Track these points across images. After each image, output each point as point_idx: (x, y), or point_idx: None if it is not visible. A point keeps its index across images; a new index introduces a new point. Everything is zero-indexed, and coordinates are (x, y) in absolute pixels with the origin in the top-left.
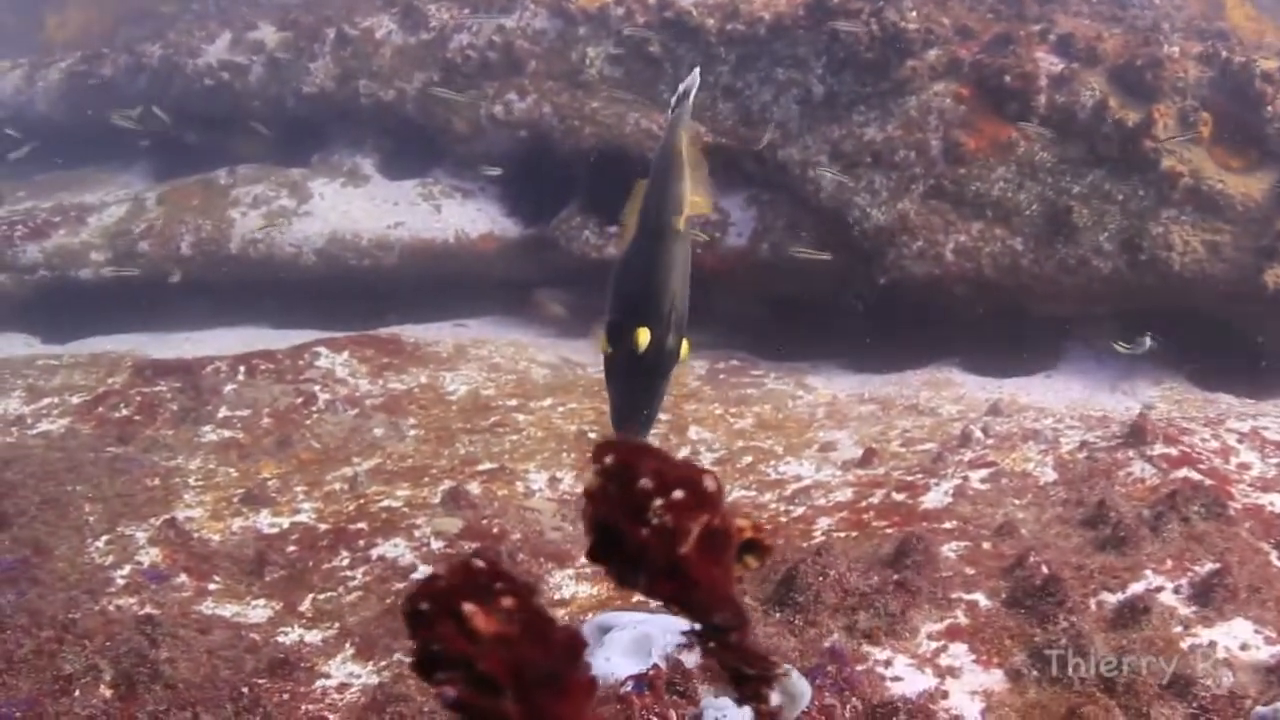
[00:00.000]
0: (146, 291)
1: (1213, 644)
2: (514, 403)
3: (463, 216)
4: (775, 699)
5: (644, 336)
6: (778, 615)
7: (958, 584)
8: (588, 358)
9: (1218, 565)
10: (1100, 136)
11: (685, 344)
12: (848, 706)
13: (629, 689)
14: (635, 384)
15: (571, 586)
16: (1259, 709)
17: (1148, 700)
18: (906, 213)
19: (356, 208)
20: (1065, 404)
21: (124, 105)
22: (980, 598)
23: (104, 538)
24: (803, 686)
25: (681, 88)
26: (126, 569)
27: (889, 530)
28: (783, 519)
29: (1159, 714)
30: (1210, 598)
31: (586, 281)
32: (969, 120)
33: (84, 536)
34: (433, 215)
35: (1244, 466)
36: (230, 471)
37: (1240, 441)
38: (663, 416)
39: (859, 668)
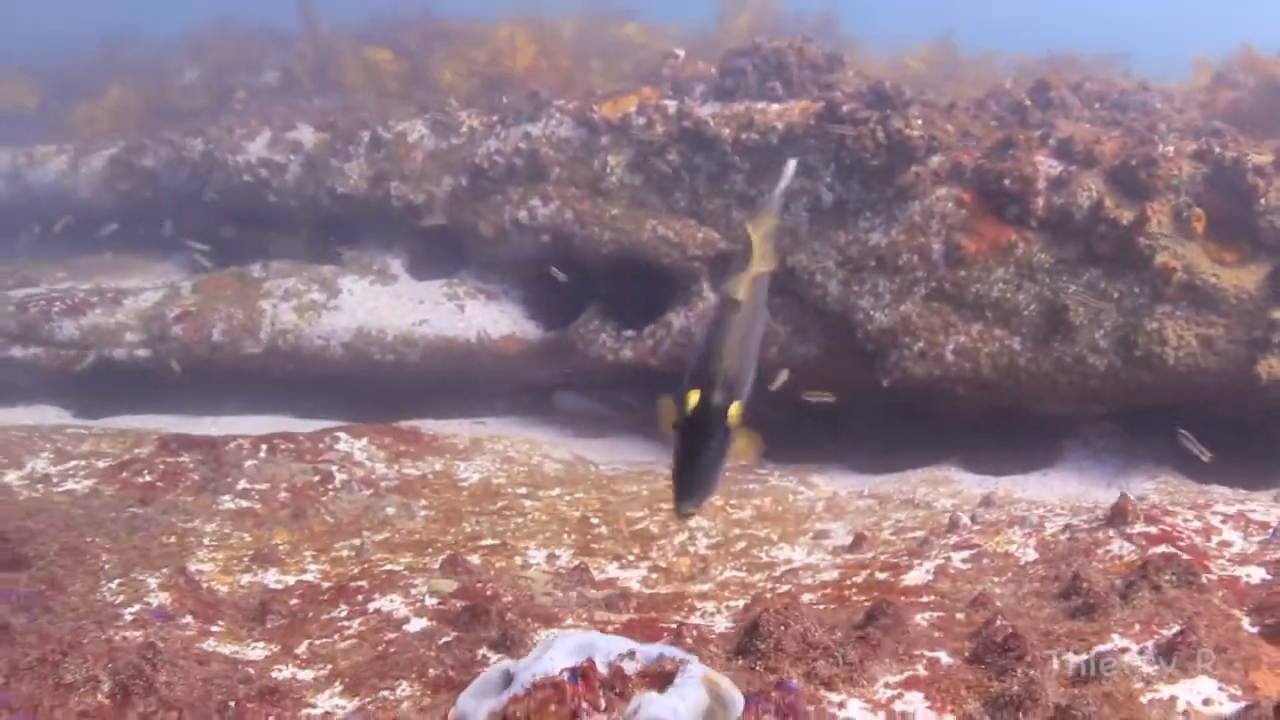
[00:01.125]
0: (177, 376)
1: (1173, 698)
2: (523, 490)
3: (486, 317)
4: (696, 700)
5: (693, 398)
6: (739, 661)
7: (923, 644)
8: (601, 456)
9: (1183, 626)
10: (1096, 236)
11: (736, 406)
12: None
13: (565, 679)
14: (687, 450)
15: None
16: None
17: None
18: (909, 315)
19: (384, 305)
20: (1059, 498)
21: (164, 195)
22: (943, 655)
23: (117, 580)
24: (735, 695)
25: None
26: (135, 607)
27: (867, 603)
28: (767, 594)
29: None
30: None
31: (604, 384)
32: (970, 224)
33: (98, 579)
34: (457, 315)
35: (1225, 544)
36: (244, 536)
37: (1224, 522)
38: (660, 505)
39: (811, 707)
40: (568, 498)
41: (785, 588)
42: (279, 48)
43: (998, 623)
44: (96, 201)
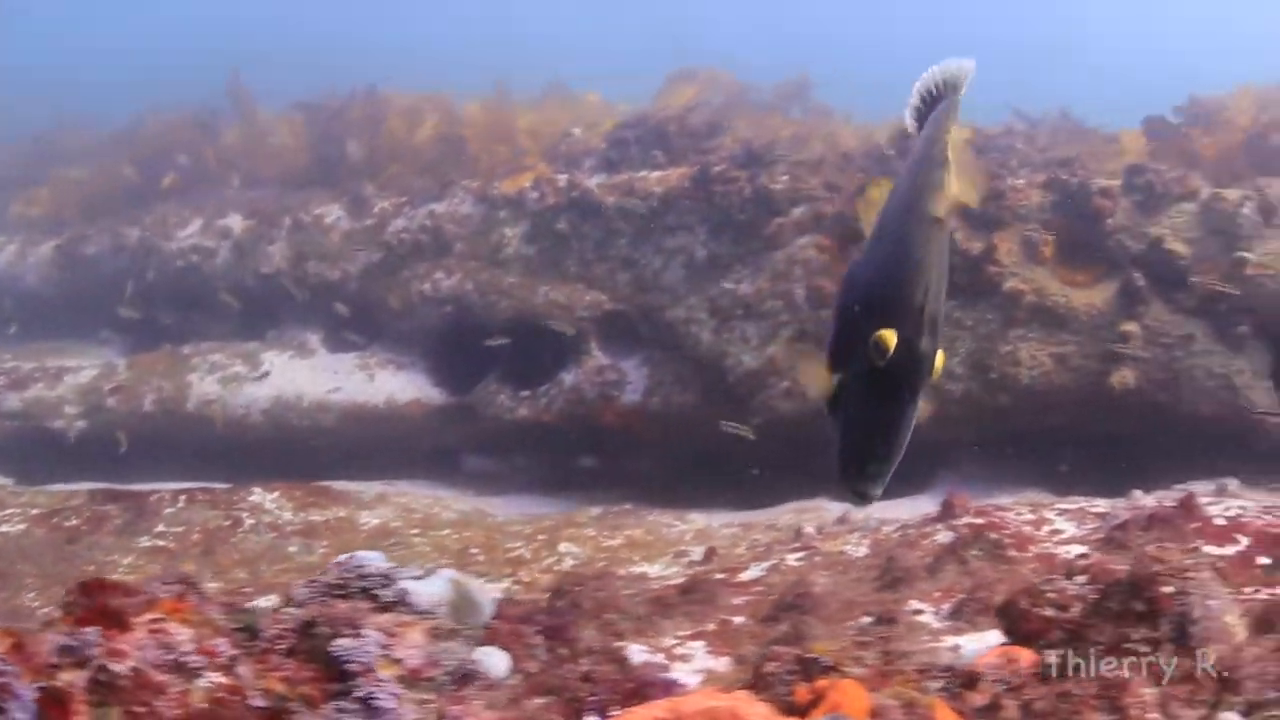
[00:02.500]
0: (110, 447)
1: (957, 645)
2: (416, 531)
3: (394, 384)
4: (440, 590)
5: (890, 338)
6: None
7: (726, 612)
8: (501, 511)
9: (974, 584)
10: (950, 269)
11: (940, 355)
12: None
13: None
14: (875, 410)
15: None
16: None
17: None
18: (774, 356)
19: (301, 376)
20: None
21: (105, 281)
22: (739, 619)
23: (36, 592)
24: (484, 598)
25: (949, 76)
26: (48, 608)
27: (700, 576)
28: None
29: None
30: (963, 613)
31: (504, 445)
32: (832, 268)
33: (23, 591)
34: (368, 383)
35: (1055, 532)
36: (155, 568)
37: (1061, 515)
38: (539, 536)
39: (603, 643)
40: (455, 535)
41: (633, 590)
42: (208, 136)
43: (799, 591)
44: (44, 289)
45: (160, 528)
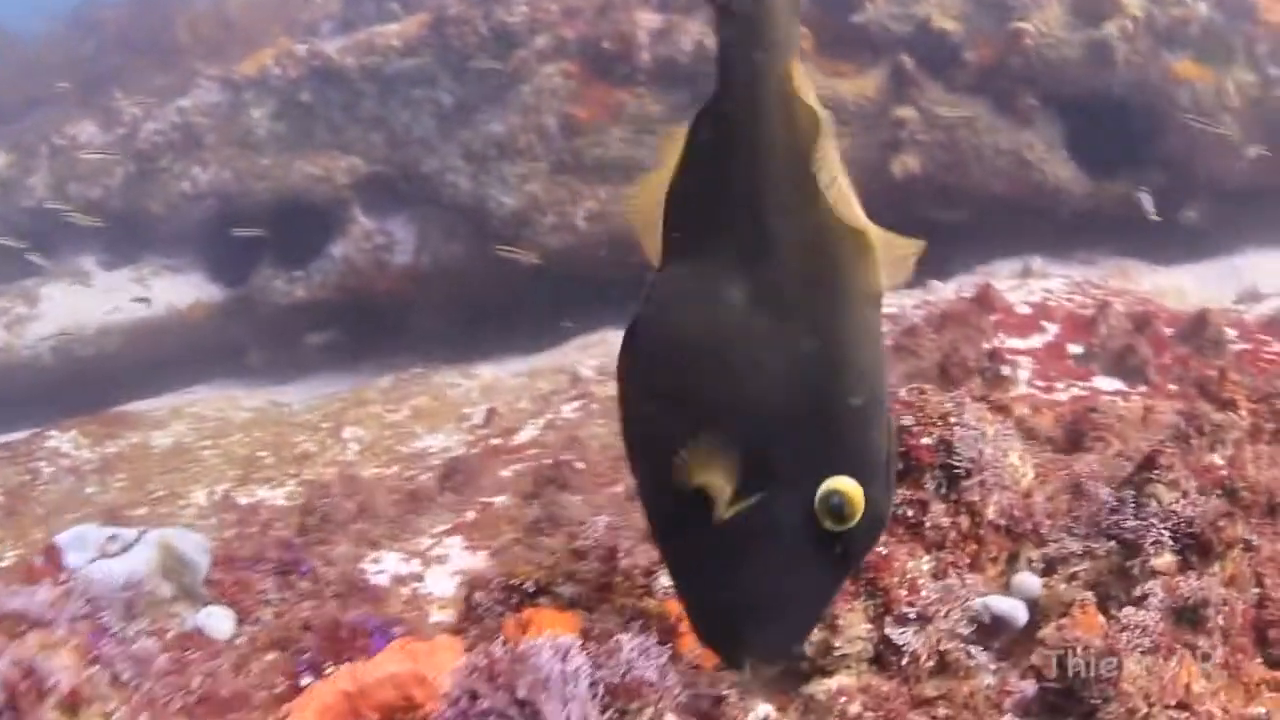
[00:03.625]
0: None
1: None
2: (207, 444)
3: (172, 291)
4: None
5: (856, 498)
6: (299, 540)
7: (489, 490)
8: (298, 397)
9: None
10: (702, 77)
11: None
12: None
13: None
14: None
15: None
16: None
17: None
18: (535, 193)
19: (84, 303)
20: None
21: None
22: (501, 499)
23: None
24: (196, 557)
25: None
26: None
27: (461, 456)
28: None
29: None
30: None
31: (288, 330)
32: (580, 93)
33: None
34: (145, 294)
35: None
36: None
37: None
38: (324, 425)
39: (344, 568)
40: (245, 439)
41: (412, 473)
42: None
43: (563, 457)
44: None
45: None
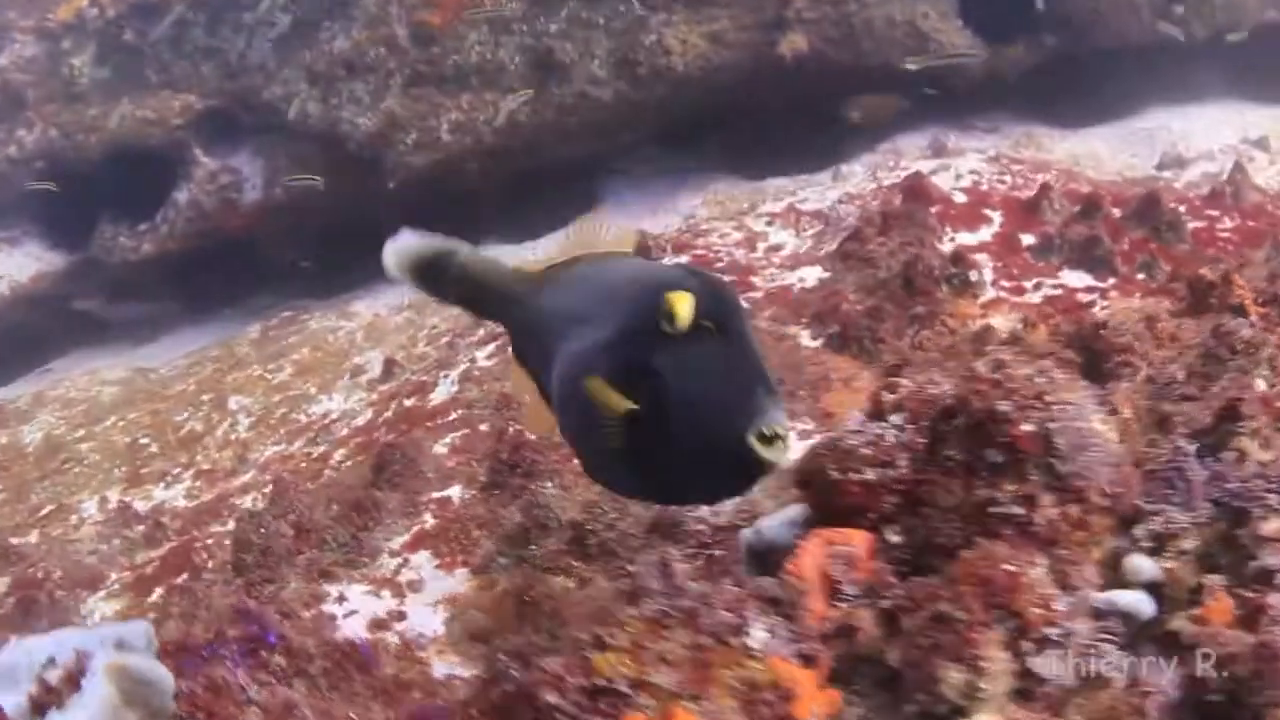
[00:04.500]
0: None
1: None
2: (81, 434)
3: (11, 265)
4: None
5: (681, 300)
6: (237, 582)
7: (437, 484)
8: (160, 358)
9: None
10: None
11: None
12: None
13: None
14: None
15: (103, 607)
16: (743, 531)
17: None
18: (392, 110)
19: None
20: None
21: None
22: (456, 491)
23: None
24: (157, 671)
25: None
26: None
27: (394, 441)
28: (303, 464)
29: None
30: None
31: (142, 287)
32: None
33: None
34: None
35: (774, 249)
36: None
37: (771, 223)
38: (204, 396)
39: (308, 613)
40: (121, 424)
41: (322, 448)
42: None
43: (509, 434)
44: None
45: None
